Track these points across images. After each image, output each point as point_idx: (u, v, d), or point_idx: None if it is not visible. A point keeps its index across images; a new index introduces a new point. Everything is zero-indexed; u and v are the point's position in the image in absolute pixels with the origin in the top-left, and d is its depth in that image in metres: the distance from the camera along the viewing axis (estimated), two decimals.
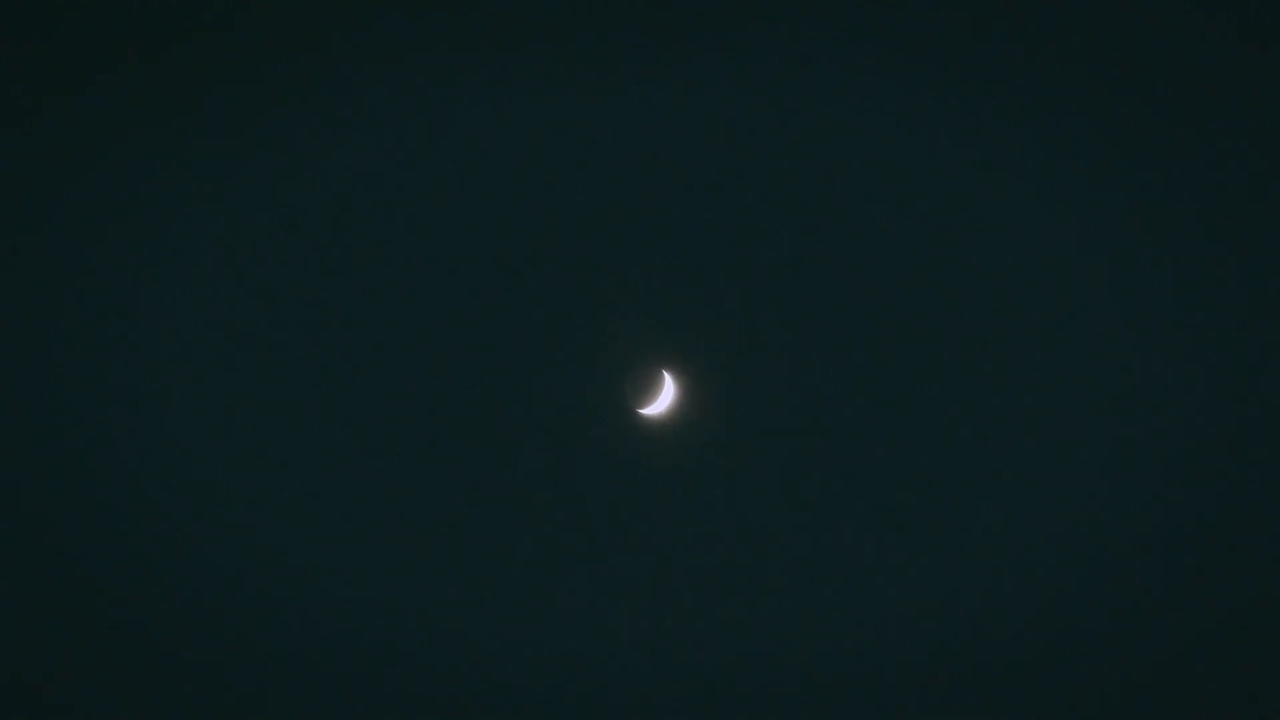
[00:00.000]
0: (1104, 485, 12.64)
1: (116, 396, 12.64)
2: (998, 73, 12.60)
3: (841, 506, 12.85)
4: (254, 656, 12.65)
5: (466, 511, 12.85)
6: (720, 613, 12.82)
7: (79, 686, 12.54)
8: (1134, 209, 12.65)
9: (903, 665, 12.66)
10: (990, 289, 12.77)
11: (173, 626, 12.62)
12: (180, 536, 12.64)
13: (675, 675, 12.74)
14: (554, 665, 12.71)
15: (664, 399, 13.05)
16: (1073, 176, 12.64)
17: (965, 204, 12.73)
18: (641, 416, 13.02)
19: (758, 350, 12.94)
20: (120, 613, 12.61)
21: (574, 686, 12.72)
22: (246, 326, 12.78)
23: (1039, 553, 12.65)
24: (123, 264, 12.63)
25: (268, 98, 12.62)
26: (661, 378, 13.09)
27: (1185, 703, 12.51)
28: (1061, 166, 12.64)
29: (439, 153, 12.77)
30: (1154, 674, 12.54)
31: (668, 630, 12.81)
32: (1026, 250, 12.72)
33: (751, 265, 12.86)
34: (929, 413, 12.78)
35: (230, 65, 12.63)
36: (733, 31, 12.67)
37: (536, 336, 12.86)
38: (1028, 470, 12.70)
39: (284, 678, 12.66)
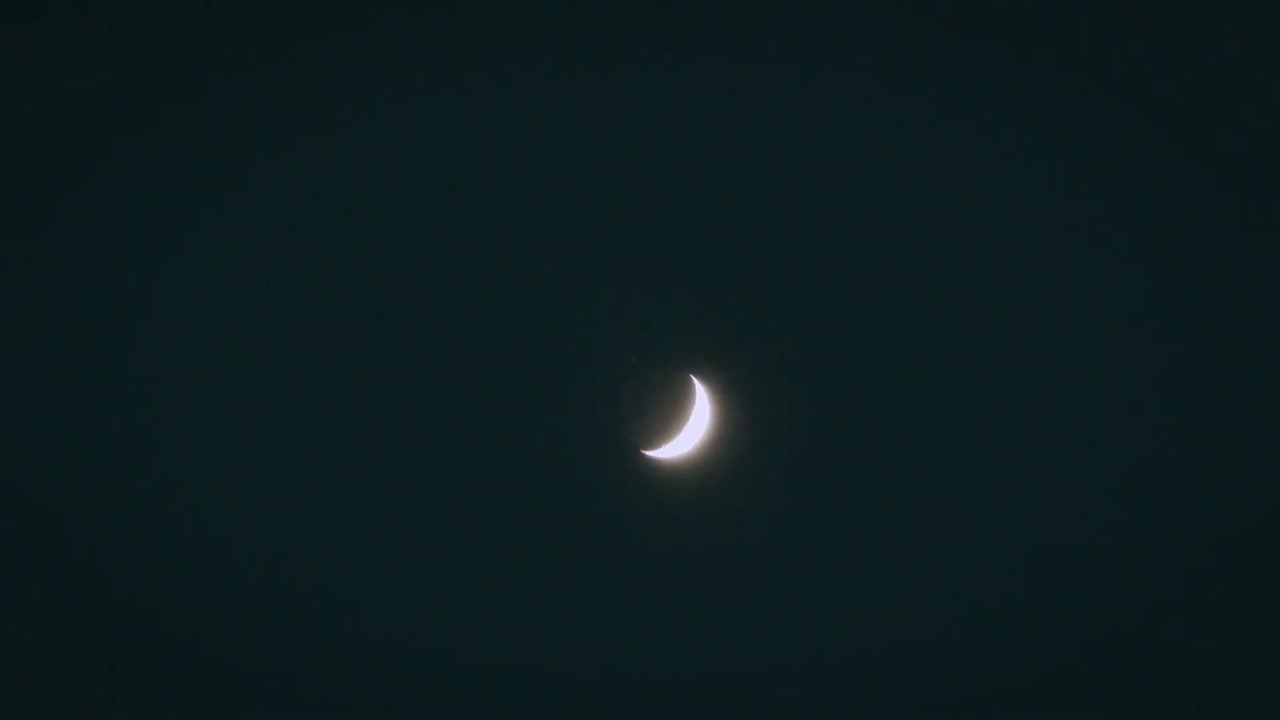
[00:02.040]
0: (1113, 486, 12.61)
1: (115, 396, 12.61)
2: (1005, 74, 12.54)
3: (853, 504, 12.79)
4: (251, 654, 12.62)
5: (465, 510, 12.79)
6: (727, 619, 12.80)
7: (79, 683, 12.52)
8: (1134, 209, 12.61)
9: (917, 671, 12.65)
10: (999, 290, 12.70)
11: (171, 624, 12.59)
12: (178, 535, 12.61)
13: (674, 679, 12.70)
14: (550, 665, 12.67)
15: (696, 422, 12.88)
16: (1081, 178, 12.59)
17: (971, 205, 12.66)
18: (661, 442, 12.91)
19: (768, 355, 12.87)
20: (120, 610, 12.58)
21: (570, 687, 12.68)
22: (245, 326, 12.73)
23: (1064, 557, 12.65)
24: (122, 264, 12.58)
25: (268, 97, 12.57)
26: (689, 395, 12.91)
27: (1185, 699, 12.54)
28: (1072, 168, 12.58)
29: (439, 152, 12.71)
30: (1154, 670, 12.51)
31: (668, 635, 12.77)
32: (1038, 253, 12.64)
33: (758, 269, 12.78)
34: (943, 417, 12.72)
35: (230, 65, 12.58)
36: (736, 32, 12.61)
37: (538, 339, 12.80)
38: (1053, 475, 12.68)
39: (280, 675, 12.63)
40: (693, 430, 12.74)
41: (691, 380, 12.78)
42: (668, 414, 12.72)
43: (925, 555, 12.71)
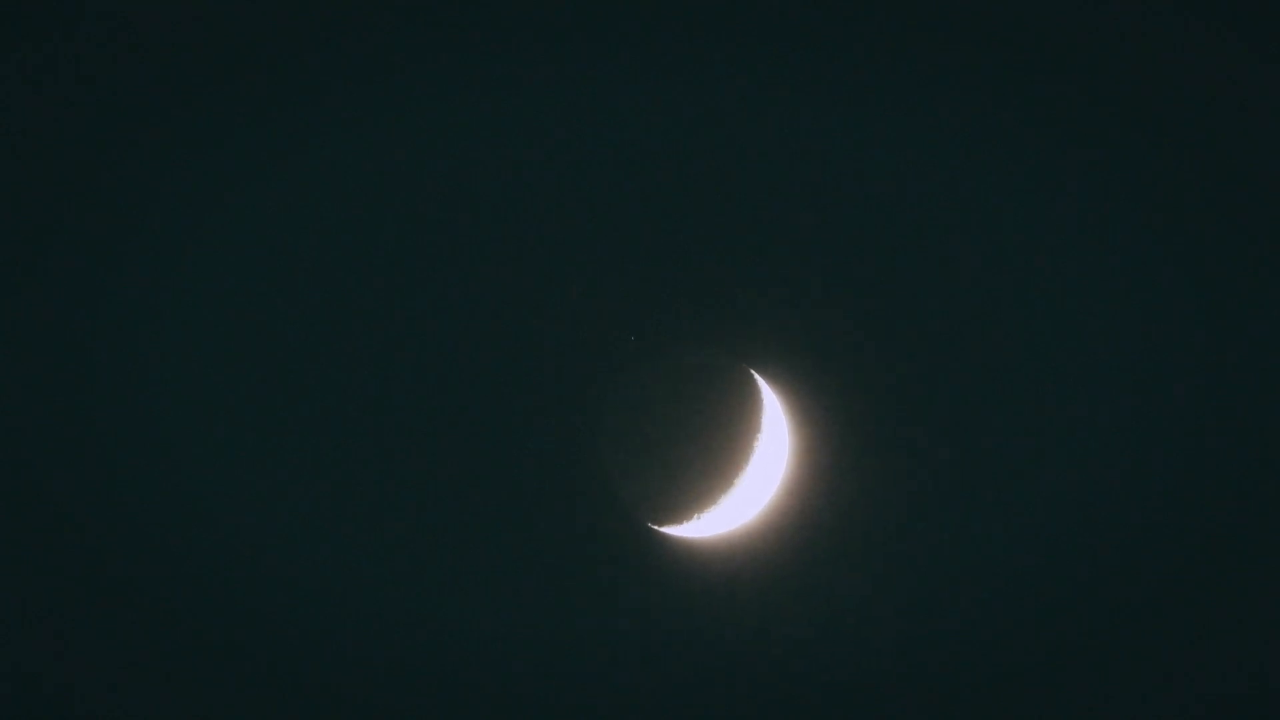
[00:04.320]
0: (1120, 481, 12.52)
1: (117, 397, 12.62)
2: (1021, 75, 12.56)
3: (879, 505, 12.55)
4: (246, 655, 12.62)
5: (461, 514, 12.71)
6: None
7: (75, 682, 12.52)
8: (1140, 209, 12.60)
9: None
10: (1009, 287, 12.63)
11: (167, 625, 12.60)
12: (173, 536, 12.62)
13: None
14: (541, 668, 12.61)
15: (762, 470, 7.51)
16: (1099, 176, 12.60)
17: (977, 204, 12.64)
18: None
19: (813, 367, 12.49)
20: (117, 610, 12.59)
21: (562, 691, 12.61)
22: (247, 330, 12.74)
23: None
24: (118, 265, 12.60)
25: (267, 98, 12.56)
26: (747, 412, 7.66)
27: (1188, 697, 12.37)
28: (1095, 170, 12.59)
29: (438, 154, 12.71)
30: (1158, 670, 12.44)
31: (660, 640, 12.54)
32: (1049, 249, 12.63)
33: (770, 273, 12.66)
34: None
35: (229, 65, 12.56)
36: (749, 32, 12.61)
37: (540, 344, 12.75)
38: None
39: (273, 676, 12.63)
40: (754, 486, 7.51)
41: (754, 380, 7.93)
42: (705, 450, 7.54)
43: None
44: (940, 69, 12.50)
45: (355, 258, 12.76)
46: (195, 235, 12.68)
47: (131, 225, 12.64)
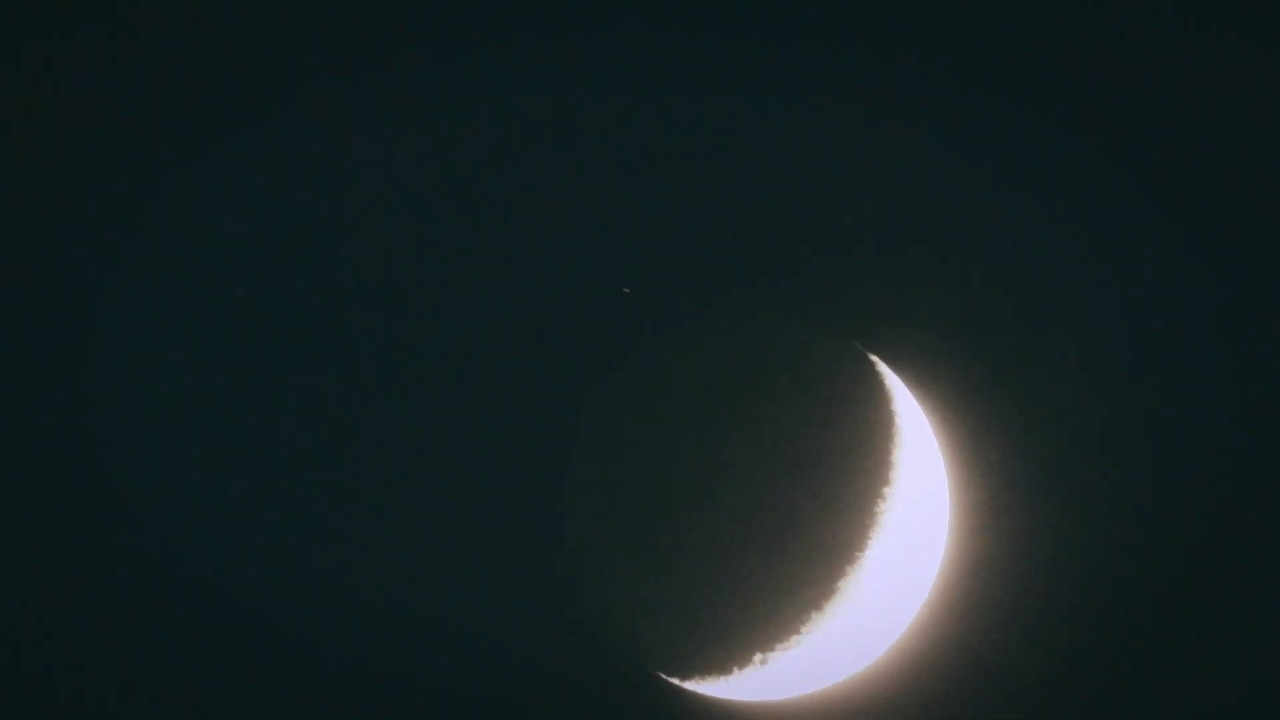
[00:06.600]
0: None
1: (112, 396, 12.60)
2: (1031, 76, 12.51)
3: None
4: (246, 655, 12.60)
5: (460, 513, 12.72)
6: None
7: (76, 682, 12.51)
8: (1143, 209, 12.55)
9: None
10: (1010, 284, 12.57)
11: (167, 625, 12.58)
12: (173, 536, 12.60)
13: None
14: (536, 670, 12.59)
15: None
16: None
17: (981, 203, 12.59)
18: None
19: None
20: (117, 610, 12.57)
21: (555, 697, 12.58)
22: (242, 328, 12.71)
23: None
24: (118, 265, 12.58)
25: (267, 98, 12.54)
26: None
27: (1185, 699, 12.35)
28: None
29: (438, 154, 12.68)
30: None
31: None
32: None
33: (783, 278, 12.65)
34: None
35: (229, 65, 12.55)
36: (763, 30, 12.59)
37: (541, 344, 12.72)
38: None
39: (272, 676, 12.61)
40: (867, 607, 5.64)
41: (877, 375, 5.97)
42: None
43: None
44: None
45: (355, 258, 12.73)
46: (195, 235, 12.66)
47: (131, 225, 12.63)
